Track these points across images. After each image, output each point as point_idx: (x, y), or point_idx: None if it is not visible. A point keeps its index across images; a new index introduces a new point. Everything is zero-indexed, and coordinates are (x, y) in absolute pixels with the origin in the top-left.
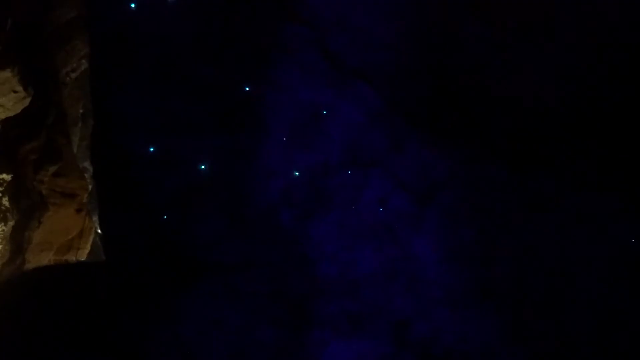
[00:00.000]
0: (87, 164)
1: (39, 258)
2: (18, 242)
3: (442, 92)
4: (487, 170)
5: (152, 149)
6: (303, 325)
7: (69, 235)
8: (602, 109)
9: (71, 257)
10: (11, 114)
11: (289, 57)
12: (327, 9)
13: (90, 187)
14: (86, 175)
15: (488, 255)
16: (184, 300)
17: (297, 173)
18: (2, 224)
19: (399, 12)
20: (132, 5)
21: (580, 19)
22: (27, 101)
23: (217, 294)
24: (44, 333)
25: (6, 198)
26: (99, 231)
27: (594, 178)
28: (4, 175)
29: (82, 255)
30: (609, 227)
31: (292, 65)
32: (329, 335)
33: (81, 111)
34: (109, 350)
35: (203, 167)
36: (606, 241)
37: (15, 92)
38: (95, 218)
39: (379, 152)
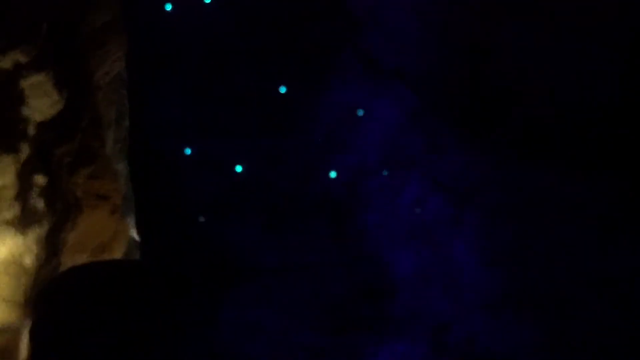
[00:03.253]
0: (120, 166)
1: (73, 260)
2: (53, 245)
3: (480, 93)
4: (526, 172)
5: (188, 151)
6: (342, 329)
7: (103, 237)
8: None
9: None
10: (45, 117)
11: (325, 57)
12: (362, 7)
13: (123, 189)
14: (119, 177)
15: (527, 259)
16: (221, 304)
17: (334, 175)
18: (38, 226)
19: (435, 11)
20: (168, 7)
21: (624, 19)
22: (61, 104)
23: (255, 298)
24: (77, 334)
25: (42, 201)
26: (133, 233)
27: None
28: (40, 178)
29: (117, 257)
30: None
31: (328, 65)
32: (367, 338)
33: (115, 114)
34: (145, 355)
35: (239, 169)
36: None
37: (49, 95)
38: (129, 220)
39: (417, 154)
